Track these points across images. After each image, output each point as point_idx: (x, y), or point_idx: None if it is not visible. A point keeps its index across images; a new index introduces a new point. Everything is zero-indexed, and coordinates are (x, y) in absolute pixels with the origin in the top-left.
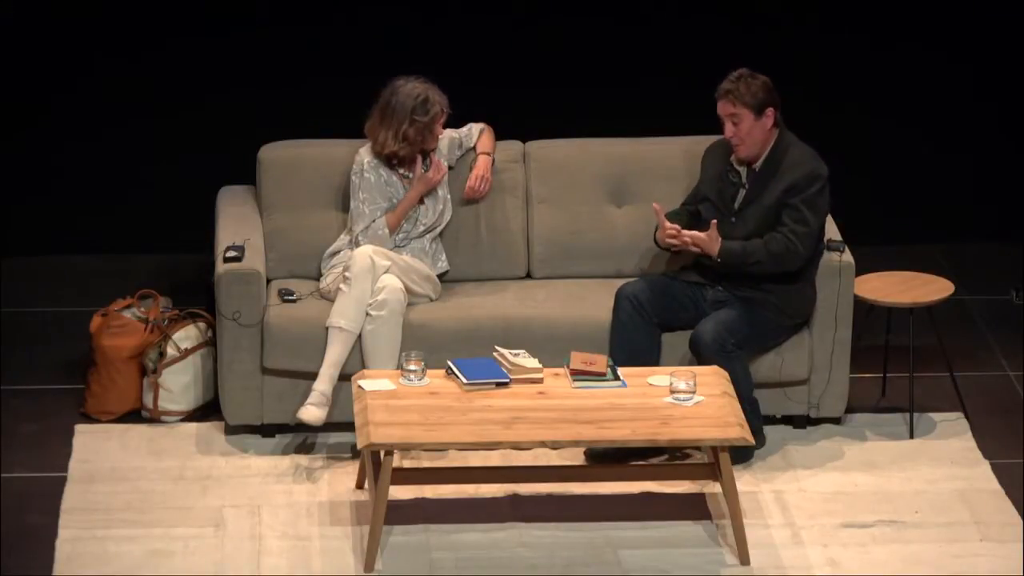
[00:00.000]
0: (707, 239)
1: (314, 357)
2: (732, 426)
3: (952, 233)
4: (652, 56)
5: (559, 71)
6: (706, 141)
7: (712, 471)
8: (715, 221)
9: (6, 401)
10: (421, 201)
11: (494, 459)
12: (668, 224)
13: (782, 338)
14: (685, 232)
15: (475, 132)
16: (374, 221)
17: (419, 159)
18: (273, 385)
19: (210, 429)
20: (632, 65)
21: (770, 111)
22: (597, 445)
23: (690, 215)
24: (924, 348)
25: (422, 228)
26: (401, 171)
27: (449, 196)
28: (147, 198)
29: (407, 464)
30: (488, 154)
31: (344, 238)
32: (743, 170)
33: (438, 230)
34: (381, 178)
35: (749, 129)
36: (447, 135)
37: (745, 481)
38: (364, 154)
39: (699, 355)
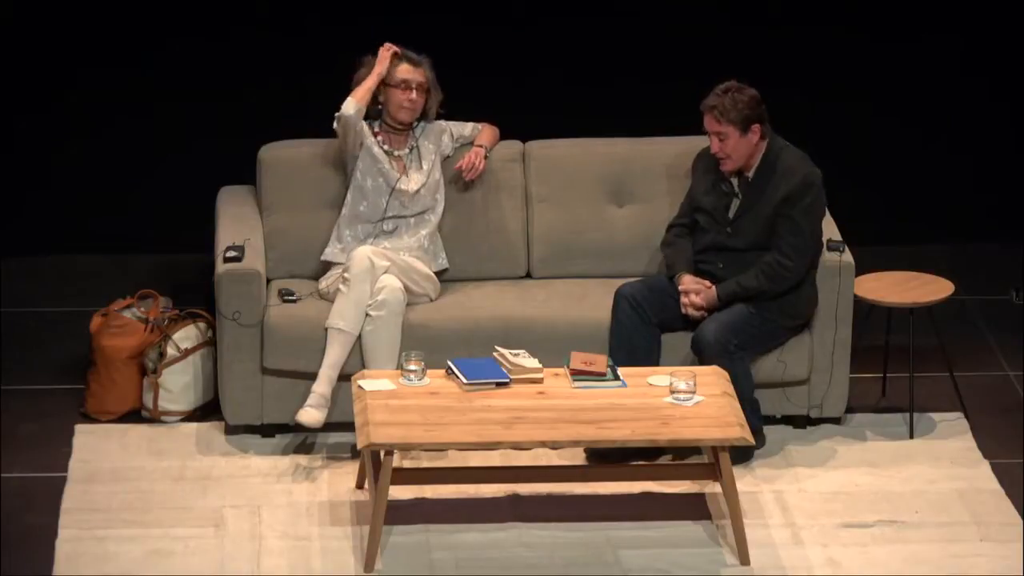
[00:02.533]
0: (703, 300)
1: (314, 357)
2: (732, 426)
3: (952, 233)
4: (652, 56)
5: (559, 71)
6: (706, 140)
7: (712, 471)
8: (707, 284)
9: (6, 401)
10: (404, 172)
11: (494, 459)
12: (686, 300)
13: (783, 339)
14: (689, 307)
15: (469, 128)
16: (342, 106)
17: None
18: (273, 385)
19: (210, 429)
20: (633, 65)
21: (756, 127)
22: (597, 445)
23: (688, 228)
24: (924, 348)
25: (407, 200)
26: (385, 147)
27: (442, 181)
28: (147, 198)
29: (407, 464)
30: (483, 147)
31: (334, 245)
32: (735, 180)
33: (434, 221)
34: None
35: (735, 145)
36: (439, 123)
37: (745, 481)
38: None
39: (701, 355)
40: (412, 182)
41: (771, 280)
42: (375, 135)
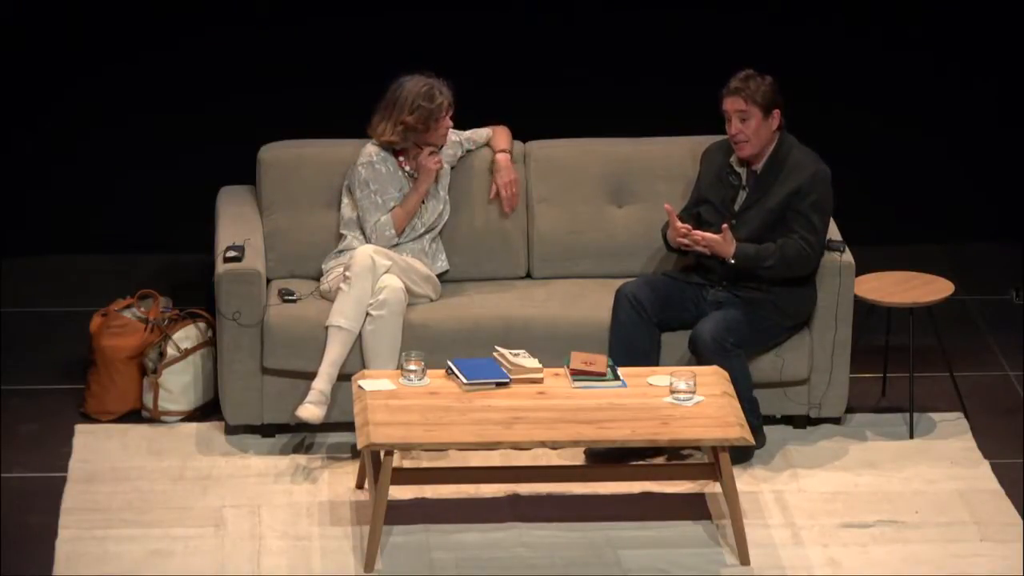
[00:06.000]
0: (721, 241)
1: (314, 357)
2: (732, 426)
3: (952, 233)
4: (652, 55)
5: (560, 71)
6: (706, 141)
7: (712, 471)
8: (726, 226)
9: (6, 401)
10: (422, 201)
11: (494, 459)
12: (680, 224)
13: (782, 338)
14: (697, 232)
15: (483, 133)
16: (380, 219)
17: (424, 153)
18: (273, 385)
19: (210, 429)
20: (632, 64)
21: (777, 112)
22: (597, 445)
23: (692, 219)
24: (924, 348)
25: (422, 229)
26: (407, 169)
27: (448, 196)
28: (147, 198)
29: (407, 464)
30: (506, 151)
31: (349, 239)
32: (743, 172)
33: (437, 230)
34: (389, 171)
35: (756, 128)
36: (449, 135)
37: (745, 481)
38: (372, 146)
39: (698, 354)
40: (429, 212)
41: (787, 261)
42: (396, 155)
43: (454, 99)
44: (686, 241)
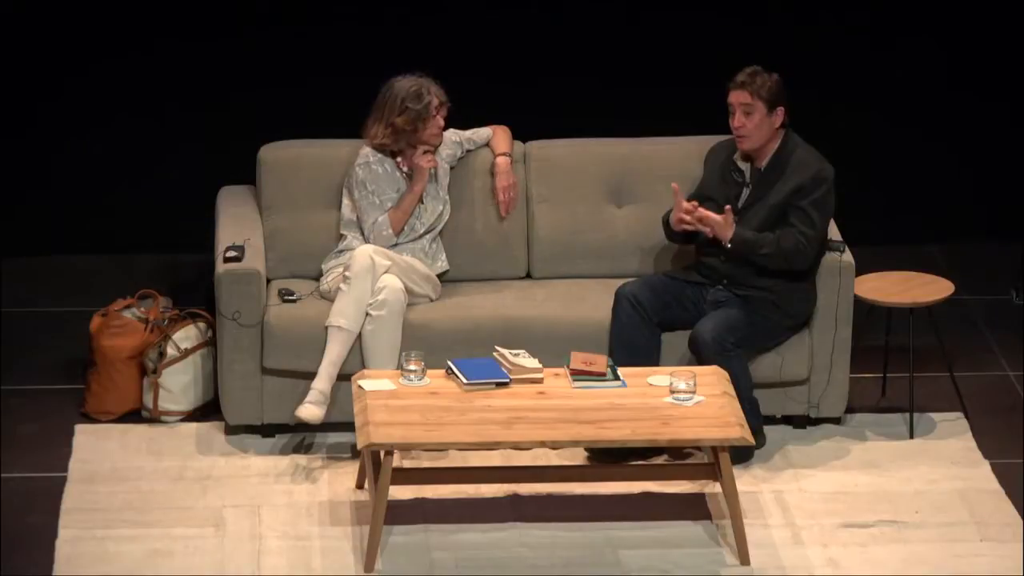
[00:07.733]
0: (721, 222)
1: (314, 357)
2: (732, 426)
3: (952, 233)
4: (653, 56)
5: (560, 70)
6: (706, 141)
7: (712, 471)
8: (729, 207)
9: (6, 401)
10: (421, 201)
11: (494, 459)
12: (685, 202)
13: (782, 338)
14: (701, 209)
15: (483, 133)
16: (378, 220)
17: (418, 152)
18: (273, 385)
19: (210, 429)
20: (634, 65)
21: (781, 110)
22: (597, 445)
23: None
24: (924, 348)
25: (422, 230)
26: (405, 169)
27: (448, 196)
28: (147, 198)
29: (407, 464)
30: (506, 154)
31: (349, 239)
32: (747, 170)
33: (437, 230)
34: (387, 172)
35: (759, 123)
36: (446, 136)
37: (745, 481)
38: (369, 147)
39: (698, 354)
40: (429, 212)
41: (784, 251)
42: (394, 155)
43: (448, 98)
44: (688, 219)
